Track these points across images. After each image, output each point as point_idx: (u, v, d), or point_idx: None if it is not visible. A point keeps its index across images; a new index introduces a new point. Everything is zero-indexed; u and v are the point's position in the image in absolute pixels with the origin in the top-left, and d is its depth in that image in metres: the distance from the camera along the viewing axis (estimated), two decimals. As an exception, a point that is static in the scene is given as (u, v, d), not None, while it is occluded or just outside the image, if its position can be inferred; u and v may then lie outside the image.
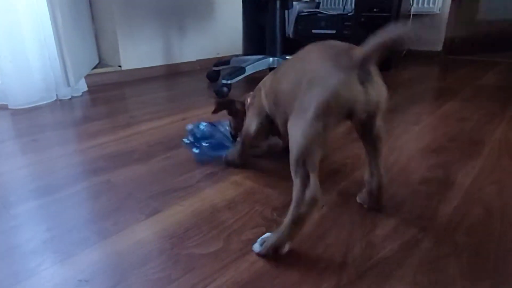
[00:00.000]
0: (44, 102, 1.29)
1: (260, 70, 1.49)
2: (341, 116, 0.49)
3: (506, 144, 0.89)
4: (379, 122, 0.54)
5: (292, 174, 0.50)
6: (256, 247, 0.51)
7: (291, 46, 2.25)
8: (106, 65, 1.73)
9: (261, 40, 2.24)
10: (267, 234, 0.52)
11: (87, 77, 1.55)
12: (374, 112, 0.52)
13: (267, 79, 0.71)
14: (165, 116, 1.15)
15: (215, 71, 1.68)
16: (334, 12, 2.11)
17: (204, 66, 2.09)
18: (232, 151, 0.78)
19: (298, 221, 0.48)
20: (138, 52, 1.76)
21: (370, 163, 0.58)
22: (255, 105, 0.72)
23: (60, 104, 1.30)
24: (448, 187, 0.68)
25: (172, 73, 1.93)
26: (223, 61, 1.66)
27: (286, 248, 0.50)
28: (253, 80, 1.58)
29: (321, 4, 2.54)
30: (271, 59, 1.50)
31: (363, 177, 0.60)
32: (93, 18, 1.74)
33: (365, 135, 0.56)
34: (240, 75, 1.39)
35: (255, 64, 1.44)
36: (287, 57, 1.54)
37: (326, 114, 0.48)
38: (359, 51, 0.48)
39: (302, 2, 2.34)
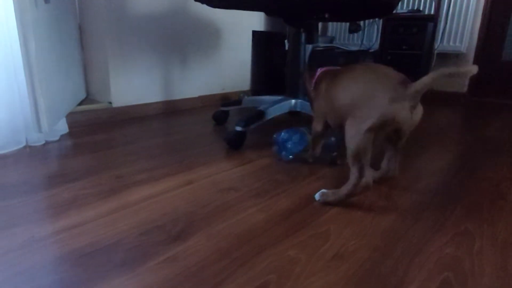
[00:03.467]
0: (8, 150, 1.00)
1: (279, 115, 1.23)
2: (389, 131, 0.69)
3: None
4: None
5: (350, 164, 0.70)
6: (317, 196, 0.75)
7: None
8: (95, 101, 1.47)
9: (272, 77, 2.02)
10: (324, 190, 0.75)
11: (69, 115, 1.28)
12: (413, 127, 0.70)
13: (322, 87, 0.85)
14: (163, 176, 0.87)
15: (223, 112, 1.42)
16: (354, 48, 1.91)
17: (207, 103, 1.84)
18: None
19: (350, 195, 0.72)
20: (132, 86, 1.50)
21: (390, 156, 0.80)
22: (318, 109, 0.88)
23: (29, 152, 1.01)
24: None
25: (171, 111, 1.67)
26: (234, 101, 1.41)
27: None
28: (269, 128, 1.31)
29: (335, 40, 2.35)
30: (293, 101, 1.26)
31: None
32: (82, 46, 1.49)
33: (394, 139, 0.75)
34: (259, 120, 1.13)
35: (275, 107, 1.19)
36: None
37: (378, 128, 0.66)
38: (415, 87, 0.64)
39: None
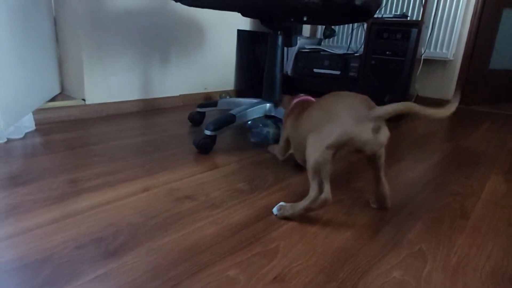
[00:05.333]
0: (-36, 148, 0.97)
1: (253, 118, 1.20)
2: (351, 151, 0.67)
3: None
4: (381, 150, 0.71)
5: (310, 178, 0.69)
6: (275, 210, 0.73)
7: (289, 85, 2.00)
8: (69, 97, 1.43)
9: (257, 77, 1.99)
10: (282, 203, 0.73)
11: (38, 111, 1.25)
12: (379, 149, 0.69)
13: (289, 119, 0.90)
14: (120, 181, 0.84)
15: (199, 113, 1.39)
16: (340, 51, 1.88)
17: (188, 103, 1.81)
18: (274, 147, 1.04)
19: (308, 210, 0.70)
20: (108, 83, 1.47)
21: (375, 177, 0.75)
22: (283, 132, 0.94)
23: (-13, 150, 0.98)
24: None
25: (149, 109, 1.63)
26: (210, 102, 1.38)
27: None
28: (243, 132, 1.30)
29: (323, 41, 2.32)
30: (267, 105, 1.23)
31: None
32: (57, 40, 1.45)
33: (370, 158, 0.73)
34: (228, 124, 1.10)
35: (248, 111, 1.16)
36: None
37: (337, 147, 0.66)
38: (377, 111, 0.65)
39: (303, 38, 2.12)
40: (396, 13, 1.75)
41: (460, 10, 1.93)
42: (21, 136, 1.11)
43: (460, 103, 2.19)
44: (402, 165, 1.08)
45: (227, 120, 1.10)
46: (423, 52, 2.01)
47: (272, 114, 1.23)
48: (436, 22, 1.98)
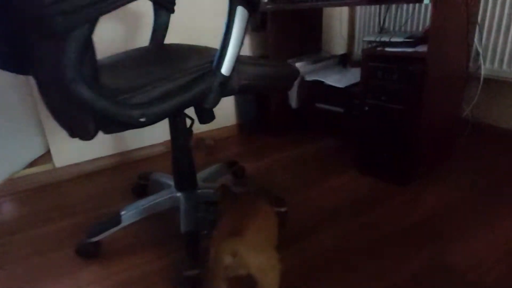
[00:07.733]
0: None
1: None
2: None
3: None
4: None
5: None
6: None
7: (295, 120, 1.72)
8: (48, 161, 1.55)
9: (261, 108, 1.77)
10: None
11: (8, 182, 1.39)
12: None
13: None
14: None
15: (141, 185, 1.31)
16: (341, 85, 1.48)
17: (173, 149, 1.74)
18: None
19: None
20: (78, 144, 1.51)
21: None
22: None
23: None
24: None
25: (128, 162, 1.64)
26: (145, 175, 1.29)
27: None
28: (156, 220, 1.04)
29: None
30: (177, 195, 1.06)
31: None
32: (37, 110, 1.56)
33: None
34: (113, 227, 1.00)
35: (144, 208, 1.03)
36: (198, 191, 1.07)
37: None
38: None
39: (308, 63, 1.73)
40: (411, 33, 1.23)
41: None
42: (-25, 217, 1.26)
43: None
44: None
45: (111, 224, 1.00)
46: (481, 68, 1.40)
47: (181, 206, 1.05)
48: (502, 27, 1.32)
